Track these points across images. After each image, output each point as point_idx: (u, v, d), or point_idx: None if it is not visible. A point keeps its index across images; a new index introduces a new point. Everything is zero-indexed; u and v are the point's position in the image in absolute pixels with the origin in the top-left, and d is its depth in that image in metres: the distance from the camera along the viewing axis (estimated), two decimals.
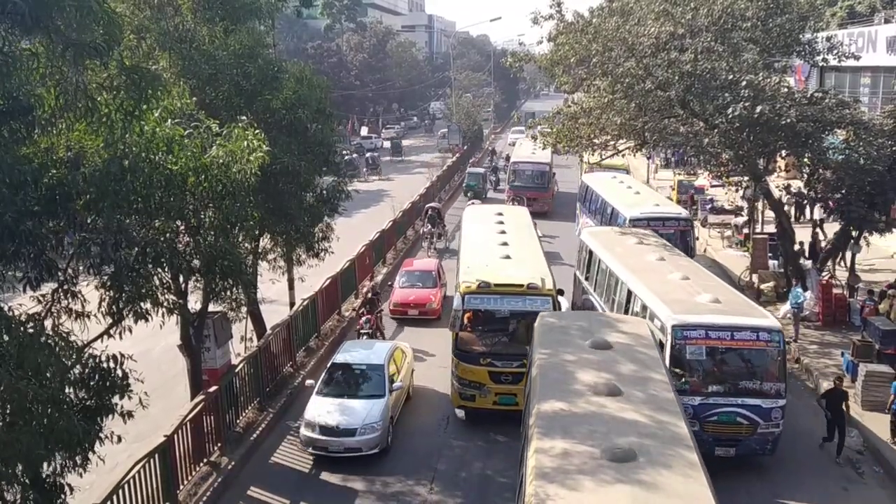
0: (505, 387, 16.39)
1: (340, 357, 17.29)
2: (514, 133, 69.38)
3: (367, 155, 56.30)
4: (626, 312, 17.14)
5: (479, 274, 17.38)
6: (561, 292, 18.66)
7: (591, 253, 21.53)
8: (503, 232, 22.01)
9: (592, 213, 30.27)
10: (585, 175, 33.49)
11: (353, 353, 17.56)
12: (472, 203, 35.09)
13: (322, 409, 15.62)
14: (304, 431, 15.49)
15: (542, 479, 8.90)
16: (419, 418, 17.46)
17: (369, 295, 21.79)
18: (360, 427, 15.19)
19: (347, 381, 16.62)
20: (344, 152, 57.18)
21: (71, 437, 8.34)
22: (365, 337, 20.08)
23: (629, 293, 17.46)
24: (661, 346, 14.28)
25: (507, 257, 19.05)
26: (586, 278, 21.79)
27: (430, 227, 32.19)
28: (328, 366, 17.10)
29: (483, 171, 44.43)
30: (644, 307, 16.22)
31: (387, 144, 65.53)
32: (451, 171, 49.02)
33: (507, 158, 47.42)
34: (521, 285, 16.75)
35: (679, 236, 23.84)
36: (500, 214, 24.57)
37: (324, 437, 15.21)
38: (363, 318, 20.65)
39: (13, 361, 7.70)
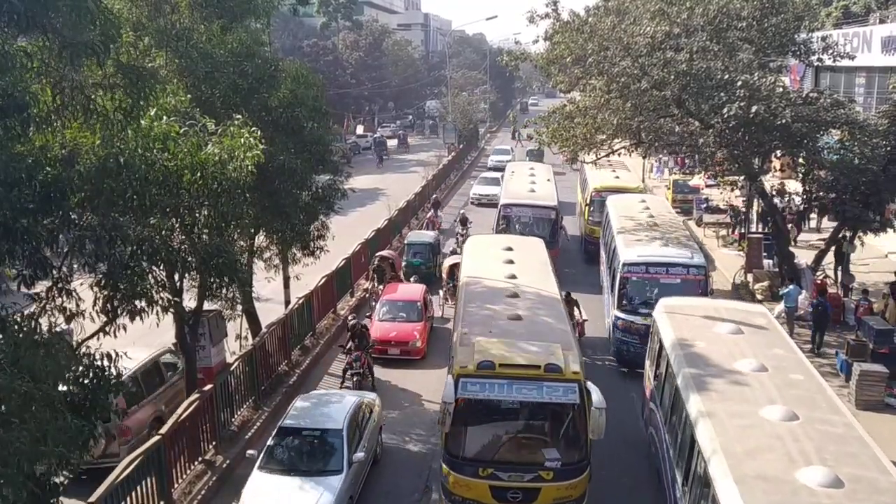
0: None
1: (291, 419, 14.20)
2: (497, 154, 53.17)
3: (400, 132, 69.29)
4: (687, 466, 11.45)
5: (479, 347, 13.13)
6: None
7: (661, 344, 14.78)
8: (513, 276, 17.39)
9: (606, 248, 24.51)
10: (610, 198, 26.84)
11: (307, 413, 14.41)
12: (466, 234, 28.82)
13: (263, 491, 12.76)
14: None
15: None
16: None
17: (358, 328, 18.74)
18: None
19: (298, 452, 13.66)
20: (379, 130, 67.35)
21: (65, 436, 8.33)
22: (356, 378, 17.99)
23: (692, 440, 11.12)
24: None
25: (517, 318, 14.70)
26: (655, 376, 15.25)
27: (375, 283, 24.66)
28: (275, 430, 14.11)
29: (432, 239, 28.62)
30: (707, 476, 10.04)
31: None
32: (447, 169, 48.90)
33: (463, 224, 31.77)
34: (537, 366, 12.43)
35: (687, 289, 18.73)
36: (510, 250, 19.70)
37: None
38: (353, 356, 18.24)
39: (8, 361, 7.69)
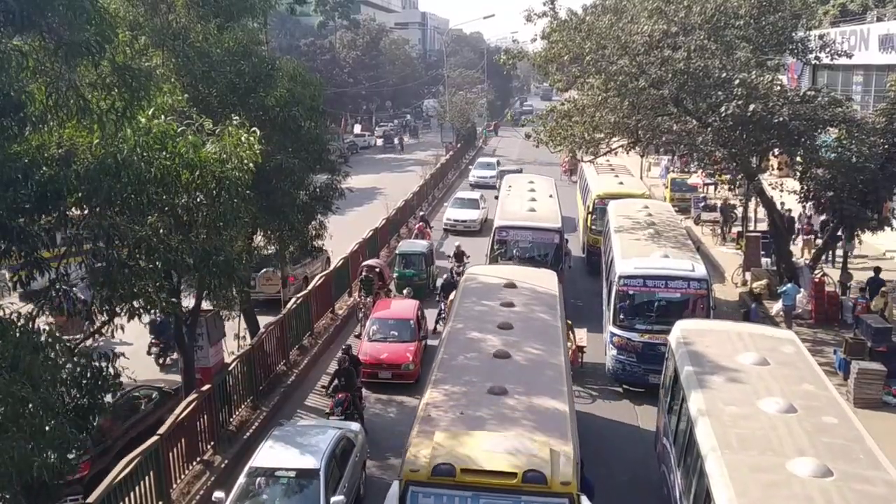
0: None
1: (263, 457, 12.68)
2: (480, 169, 48.26)
3: (413, 124, 77.27)
4: None
5: (438, 440, 10.15)
6: (588, 489, 10.72)
7: (676, 373, 13.03)
8: (508, 327, 14.03)
9: (605, 258, 22.89)
10: (612, 203, 25.26)
11: (281, 450, 12.81)
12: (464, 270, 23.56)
13: None
14: None
15: None
16: None
17: (346, 364, 16.38)
18: None
19: (270, 494, 12.21)
20: (377, 129, 70.94)
21: (63, 439, 8.30)
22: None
23: (707, 496, 9.58)
24: None
25: (503, 392, 11.44)
26: (669, 409, 13.47)
27: (364, 295, 22.81)
28: (246, 469, 12.65)
29: (425, 249, 26.15)
30: None
31: (379, 142, 67.25)
32: (445, 169, 48.83)
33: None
34: (513, 473, 9.54)
35: (688, 305, 17.84)
36: (512, 287, 16.40)
37: None
38: (335, 400, 15.93)
39: (7, 364, 7.66)
